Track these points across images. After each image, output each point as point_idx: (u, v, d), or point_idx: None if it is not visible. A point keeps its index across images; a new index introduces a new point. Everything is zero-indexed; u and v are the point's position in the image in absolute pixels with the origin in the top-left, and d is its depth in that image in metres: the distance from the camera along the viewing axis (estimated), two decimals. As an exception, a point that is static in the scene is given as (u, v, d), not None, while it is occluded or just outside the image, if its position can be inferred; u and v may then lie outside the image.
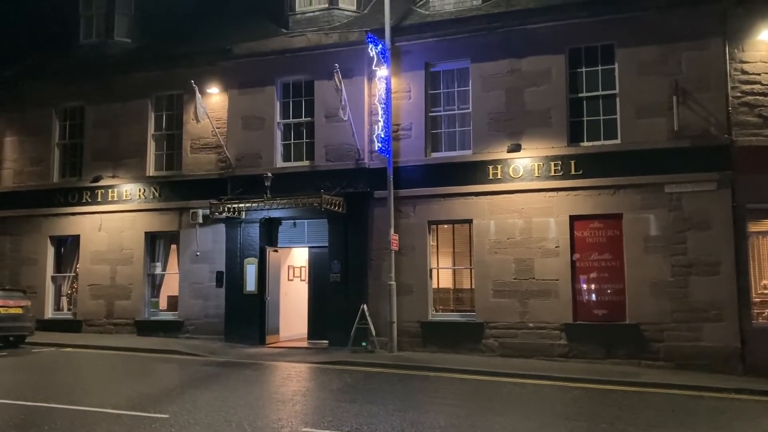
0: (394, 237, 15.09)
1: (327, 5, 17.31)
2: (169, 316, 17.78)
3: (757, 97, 13.45)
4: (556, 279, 14.26)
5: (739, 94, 13.52)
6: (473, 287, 15.04)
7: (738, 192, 13.28)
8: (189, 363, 13.58)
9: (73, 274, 19.01)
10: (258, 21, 18.25)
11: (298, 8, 17.53)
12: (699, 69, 13.67)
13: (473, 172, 15.03)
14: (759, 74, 13.49)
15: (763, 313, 13.28)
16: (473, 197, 15.03)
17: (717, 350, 13.04)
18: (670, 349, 13.34)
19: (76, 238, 18.80)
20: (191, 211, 17.17)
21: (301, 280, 18.31)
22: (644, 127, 13.94)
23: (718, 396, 11.03)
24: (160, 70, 18.22)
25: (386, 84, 15.52)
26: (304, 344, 16.60)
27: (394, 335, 14.88)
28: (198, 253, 17.25)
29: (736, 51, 13.61)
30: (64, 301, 19.24)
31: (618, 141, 14.23)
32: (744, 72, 13.55)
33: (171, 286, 18.09)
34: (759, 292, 13.34)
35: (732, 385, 11.55)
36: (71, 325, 18.29)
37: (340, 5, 17.36)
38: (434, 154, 15.74)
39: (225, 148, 16.93)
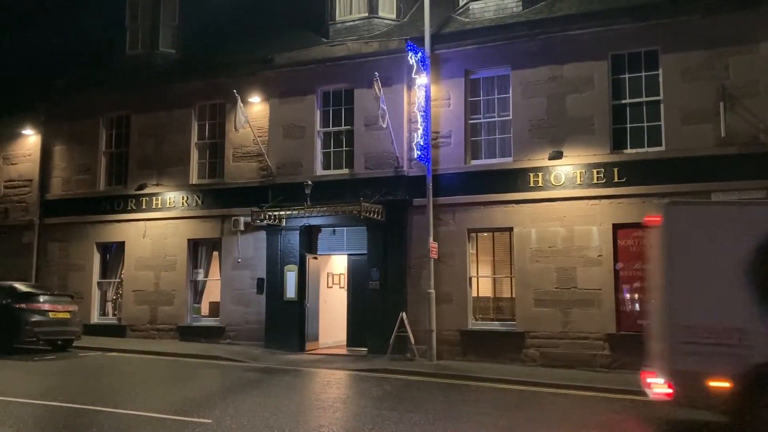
0: (433, 245, 15.04)
1: (367, 14, 17.41)
2: (211, 322, 18.02)
3: (809, 102, 13.06)
4: (599, 288, 14.03)
5: (790, 100, 13.14)
6: (514, 296, 14.91)
7: (789, 200, 12.89)
8: (231, 369, 13.74)
9: (118, 279, 19.44)
10: (299, 31, 18.42)
11: (338, 18, 17.67)
12: (747, 74, 13.34)
13: (514, 179, 14.92)
14: (811, 79, 13.11)
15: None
16: (514, 205, 14.91)
17: None
18: (717, 361, 12.96)
19: (121, 245, 19.20)
20: (233, 218, 17.39)
21: (340, 287, 18.38)
22: (690, 133, 13.65)
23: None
24: (203, 80, 18.56)
25: (426, 92, 15.51)
26: (343, 351, 16.64)
27: (434, 344, 14.80)
28: (239, 260, 17.47)
29: (786, 55, 13.25)
30: (110, 306, 19.65)
31: (663, 148, 13.96)
32: (795, 76, 13.18)
33: (213, 292, 18.32)
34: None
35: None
36: (116, 330, 18.68)
37: (380, 14, 17.43)
38: (474, 162, 15.68)
39: (266, 156, 17.15)
